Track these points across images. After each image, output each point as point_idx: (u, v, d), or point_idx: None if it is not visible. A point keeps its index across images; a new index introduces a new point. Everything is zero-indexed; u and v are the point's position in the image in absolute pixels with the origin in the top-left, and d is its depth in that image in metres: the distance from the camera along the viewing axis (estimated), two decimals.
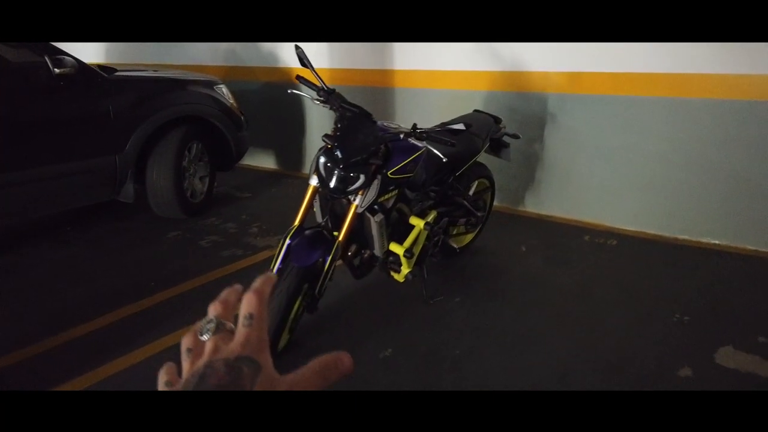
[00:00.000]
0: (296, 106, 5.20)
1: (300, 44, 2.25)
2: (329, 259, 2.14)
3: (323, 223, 2.33)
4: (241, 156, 4.73)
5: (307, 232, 2.22)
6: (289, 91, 2.46)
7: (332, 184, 2.11)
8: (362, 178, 2.11)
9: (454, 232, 3.10)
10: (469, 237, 3.34)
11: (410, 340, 2.43)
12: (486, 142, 2.98)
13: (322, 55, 4.82)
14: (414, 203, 2.53)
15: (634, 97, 3.48)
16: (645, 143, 3.51)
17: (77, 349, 2.38)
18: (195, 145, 4.09)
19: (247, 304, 0.43)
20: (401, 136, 2.20)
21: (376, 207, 2.26)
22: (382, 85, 4.53)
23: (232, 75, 5.56)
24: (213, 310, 0.45)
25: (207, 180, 4.32)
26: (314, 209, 2.37)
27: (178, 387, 0.39)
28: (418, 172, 2.39)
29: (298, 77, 2.33)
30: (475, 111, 3.22)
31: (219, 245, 3.53)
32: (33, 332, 2.48)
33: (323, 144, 2.18)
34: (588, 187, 3.78)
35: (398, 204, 2.39)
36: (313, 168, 2.22)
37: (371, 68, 4.55)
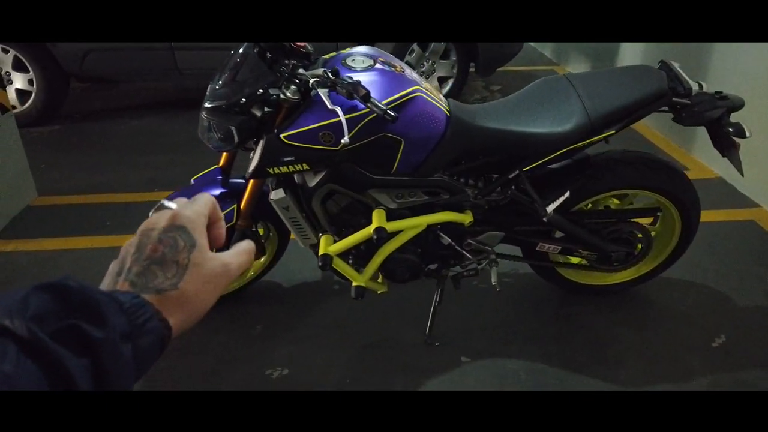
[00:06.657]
0: None
1: None
2: None
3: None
4: (504, 60, 3.93)
5: (228, 181, 1.76)
6: None
7: (199, 131, 1.56)
8: (234, 133, 1.48)
9: (562, 261, 1.97)
10: (619, 277, 2.01)
11: (320, 371, 1.76)
12: (617, 124, 1.58)
13: None
14: (405, 192, 1.59)
15: None
16: None
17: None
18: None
19: (200, 195, 0.44)
20: (311, 82, 1.36)
21: (296, 179, 1.63)
22: None
23: None
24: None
25: (450, 82, 3.83)
26: None
27: (117, 260, 0.40)
28: (375, 147, 1.48)
29: None
30: (661, 63, 1.69)
31: None
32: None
33: None
34: None
35: (331, 184, 1.57)
36: None
37: None
